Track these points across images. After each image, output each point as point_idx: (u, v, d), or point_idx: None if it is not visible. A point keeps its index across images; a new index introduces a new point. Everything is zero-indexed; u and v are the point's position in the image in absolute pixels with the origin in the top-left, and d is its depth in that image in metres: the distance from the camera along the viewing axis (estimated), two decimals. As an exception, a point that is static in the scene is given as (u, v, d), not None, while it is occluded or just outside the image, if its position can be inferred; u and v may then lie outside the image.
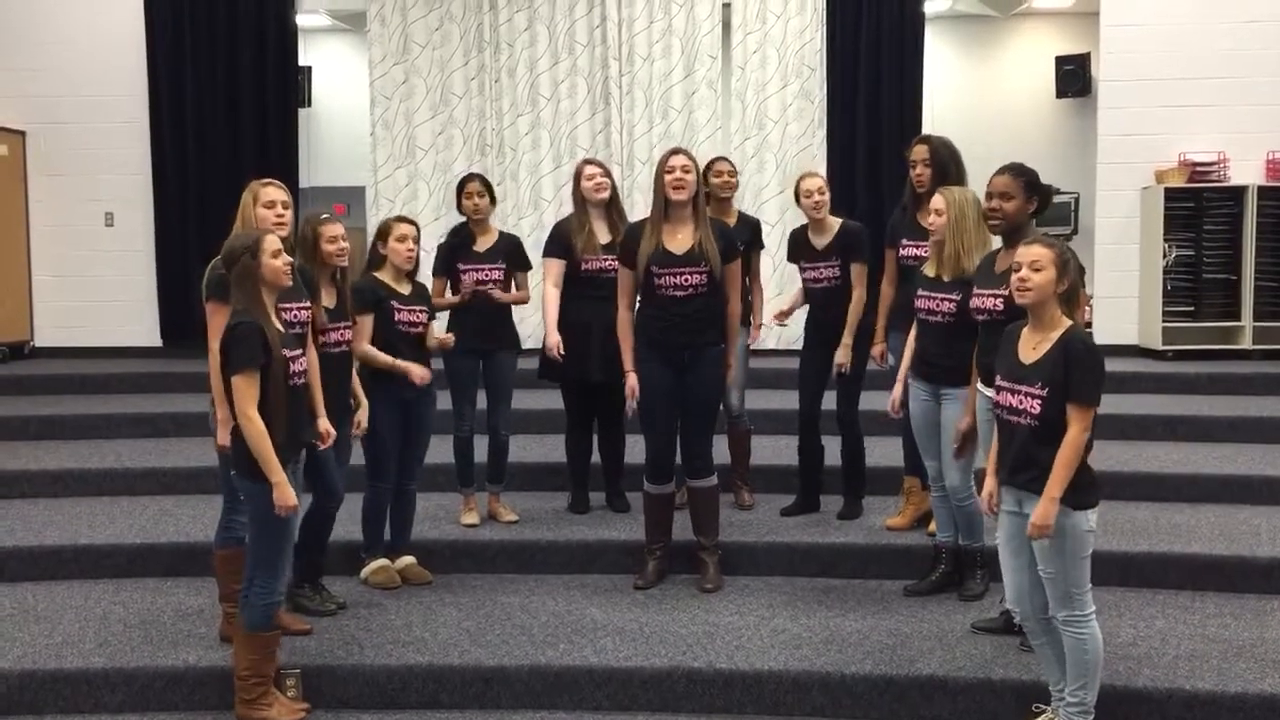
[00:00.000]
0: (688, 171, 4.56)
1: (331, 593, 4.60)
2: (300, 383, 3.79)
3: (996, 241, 4.18)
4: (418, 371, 4.65)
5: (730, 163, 5.55)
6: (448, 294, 5.35)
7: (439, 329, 5.10)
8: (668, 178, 4.55)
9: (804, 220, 5.35)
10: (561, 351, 5.26)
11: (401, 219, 4.83)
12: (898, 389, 4.67)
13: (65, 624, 4.46)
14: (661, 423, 4.71)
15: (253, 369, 3.57)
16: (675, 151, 4.64)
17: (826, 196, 5.20)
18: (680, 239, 4.60)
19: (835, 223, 5.25)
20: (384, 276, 4.77)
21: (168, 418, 6.96)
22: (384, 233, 4.79)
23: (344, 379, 4.45)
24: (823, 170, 8.11)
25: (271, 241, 3.68)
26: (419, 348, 4.81)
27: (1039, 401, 3.36)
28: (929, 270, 4.50)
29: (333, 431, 4.21)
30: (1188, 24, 8.42)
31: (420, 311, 4.80)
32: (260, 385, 3.59)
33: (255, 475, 3.61)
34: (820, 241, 5.24)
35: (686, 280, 4.57)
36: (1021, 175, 3.99)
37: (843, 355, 5.18)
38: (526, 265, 5.46)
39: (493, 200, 5.37)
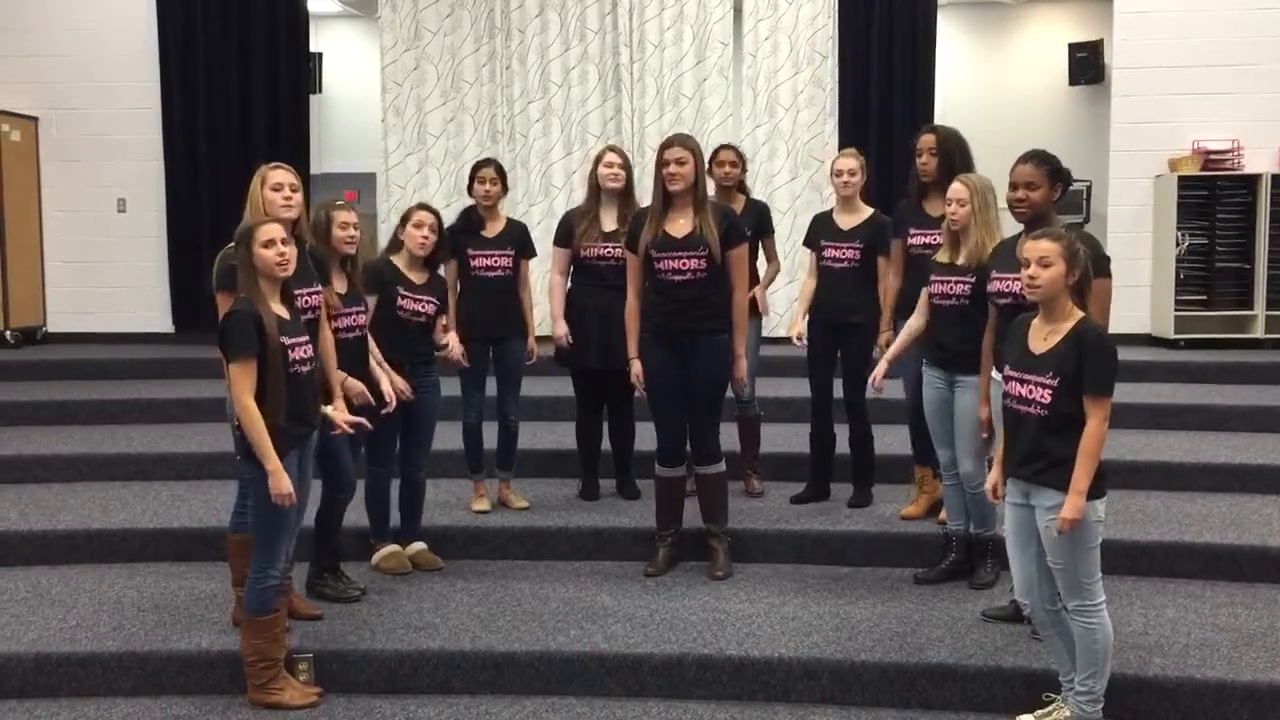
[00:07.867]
0: (682, 164, 4.56)
1: (351, 579, 4.61)
2: (305, 370, 3.76)
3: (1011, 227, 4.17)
4: (387, 389, 4.49)
5: (735, 151, 5.48)
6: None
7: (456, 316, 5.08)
8: (664, 171, 4.58)
9: (818, 207, 5.33)
10: (570, 340, 5.28)
11: (423, 206, 4.85)
12: (881, 366, 4.70)
13: (79, 608, 4.49)
14: (668, 407, 4.72)
15: (247, 356, 3.57)
16: (670, 144, 4.62)
17: (858, 179, 5.23)
18: (681, 224, 4.62)
19: (866, 209, 5.27)
20: (398, 261, 4.79)
21: (179, 403, 6.99)
22: (405, 218, 4.81)
23: (358, 365, 4.40)
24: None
25: (265, 231, 3.66)
26: (421, 338, 4.80)
27: (1049, 391, 3.35)
28: (942, 257, 4.49)
29: (347, 417, 4.19)
30: (1202, 11, 8.37)
31: (428, 302, 4.77)
32: (258, 372, 3.59)
33: (256, 461, 3.62)
34: (847, 222, 5.25)
35: (684, 265, 4.57)
36: (1046, 163, 3.97)
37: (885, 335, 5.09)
38: (532, 252, 5.48)
39: (505, 187, 5.38)
